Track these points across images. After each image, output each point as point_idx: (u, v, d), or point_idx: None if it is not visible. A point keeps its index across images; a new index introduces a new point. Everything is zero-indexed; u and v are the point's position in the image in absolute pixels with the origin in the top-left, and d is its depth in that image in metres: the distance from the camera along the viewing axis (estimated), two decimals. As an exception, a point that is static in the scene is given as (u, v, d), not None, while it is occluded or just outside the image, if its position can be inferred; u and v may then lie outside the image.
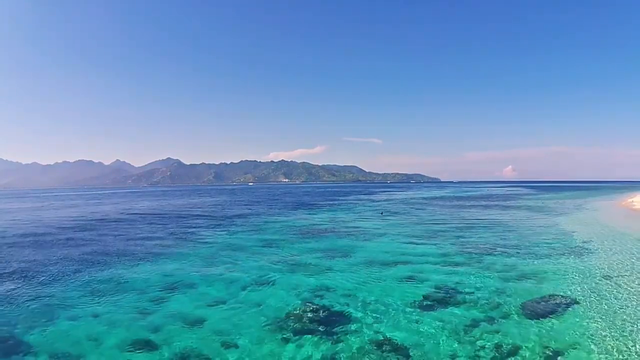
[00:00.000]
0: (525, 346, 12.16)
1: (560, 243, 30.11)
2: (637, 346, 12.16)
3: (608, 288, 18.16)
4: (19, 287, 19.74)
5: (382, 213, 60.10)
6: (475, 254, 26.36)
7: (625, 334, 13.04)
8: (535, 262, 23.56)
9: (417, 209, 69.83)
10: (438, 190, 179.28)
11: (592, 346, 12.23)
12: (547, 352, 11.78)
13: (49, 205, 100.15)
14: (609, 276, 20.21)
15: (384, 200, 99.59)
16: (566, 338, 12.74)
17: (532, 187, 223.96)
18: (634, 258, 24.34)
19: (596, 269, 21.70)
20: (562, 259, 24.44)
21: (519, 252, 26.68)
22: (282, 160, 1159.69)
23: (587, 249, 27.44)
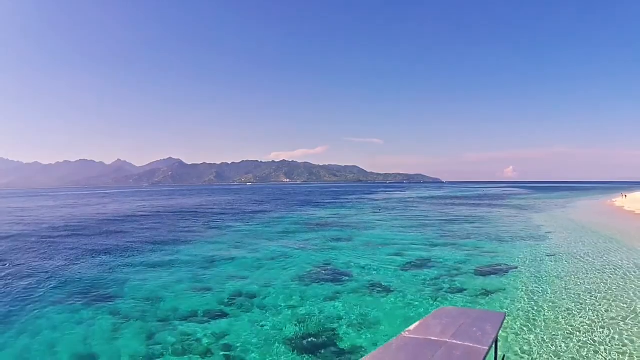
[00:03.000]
0: (469, 289, 18.06)
1: (525, 232, 36.08)
2: (550, 291, 17.95)
3: (547, 261, 23.98)
4: (106, 260, 26.08)
5: (379, 210, 66.11)
6: (452, 239, 32.46)
7: (544, 285, 18.82)
8: (498, 245, 29.55)
9: (411, 206, 75.99)
10: (435, 191, 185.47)
11: (516, 290, 18.03)
12: (482, 292, 17.65)
13: (71, 203, 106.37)
14: (552, 254, 26.01)
15: (383, 200, 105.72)
16: (499, 286, 18.61)
17: (528, 188, 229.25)
18: (581, 244, 30.12)
19: (544, 250, 27.55)
20: (521, 242, 30.40)
21: (487, 238, 32.71)
22: (284, 160, 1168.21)
23: (545, 237, 33.33)
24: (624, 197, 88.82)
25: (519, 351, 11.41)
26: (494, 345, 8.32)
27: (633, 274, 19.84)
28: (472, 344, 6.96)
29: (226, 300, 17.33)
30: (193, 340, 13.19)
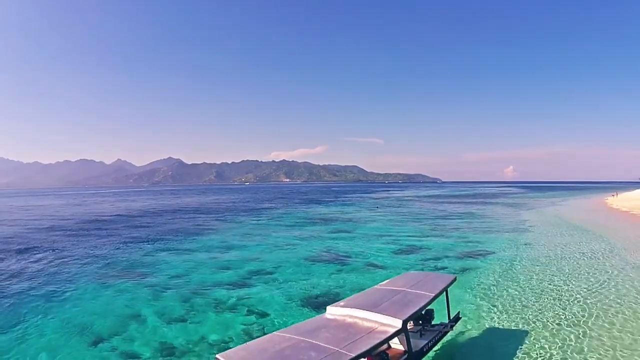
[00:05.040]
0: (450, 267, 21.42)
1: (510, 226, 39.47)
2: (517, 270, 21.24)
3: (522, 248, 27.26)
4: (136, 247, 29.86)
5: (377, 207, 69.58)
6: (442, 231, 35.93)
7: (513, 265, 22.08)
8: (482, 235, 32.93)
9: (408, 204, 79.54)
10: (434, 190, 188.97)
11: (489, 269, 21.31)
12: (460, 270, 20.96)
13: (81, 202, 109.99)
14: (529, 243, 29.29)
15: (381, 198, 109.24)
16: (475, 265, 21.96)
17: (526, 187, 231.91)
18: (558, 235, 33.44)
19: (523, 240, 30.83)
20: (504, 234, 33.78)
21: (474, 230, 36.13)
22: (284, 160, 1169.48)
23: (527, 230, 36.66)
24: (615, 195, 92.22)
25: (482, 309, 14.71)
26: (445, 299, 11.65)
27: (597, 258, 23.27)
28: (422, 292, 10.50)
29: (245, 275, 20.67)
30: (222, 302, 16.42)
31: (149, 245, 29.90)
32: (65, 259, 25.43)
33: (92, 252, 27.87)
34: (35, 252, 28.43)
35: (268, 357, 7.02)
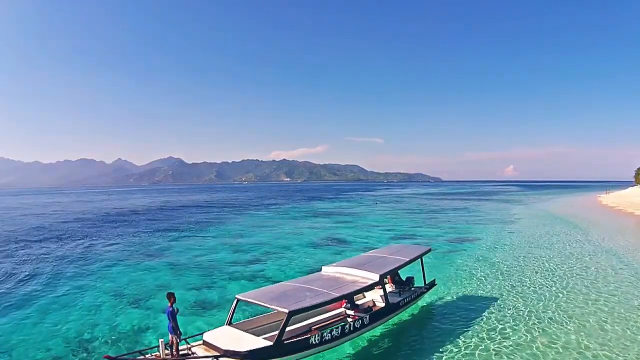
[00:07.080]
0: (439, 249, 24.16)
1: (499, 218, 42.27)
2: (497, 251, 23.94)
3: (506, 235, 30.08)
4: (155, 236, 33.26)
5: (376, 203, 72.38)
6: (435, 222, 38.78)
7: (494, 248, 24.88)
8: (472, 225, 35.74)
9: (407, 200, 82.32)
10: (432, 188, 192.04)
11: (472, 251, 24.09)
12: (449, 250, 23.74)
13: (88, 199, 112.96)
14: (513, 232, 32.05)
15: (381, 196, 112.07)
16: (461, 248, 24.74)
17: (524, 186, 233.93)
18: (542, 225, 36.21)
19: (508, 229, 33.63)
20: (491, 224, 36.59)
21: (465, 221, 38.97)
22: (284, 159, 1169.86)
23: (514, 221, 39.43)
24: (607, 193, 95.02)
25: (462, 280, 17.44)
26: (421, 266, 14.23)
27: (570, 243, 26.12)
28: (400, 257, 13.23)
29: (258, 255, 23.52)
30: (239, 274, 19.17)
31: (168, 234, 32.80)
32: (95, 245, 28.29)
33: (116, 239, 30.77)
34: (68, 239, 31.42)
35: (275, 295, 9.70)
